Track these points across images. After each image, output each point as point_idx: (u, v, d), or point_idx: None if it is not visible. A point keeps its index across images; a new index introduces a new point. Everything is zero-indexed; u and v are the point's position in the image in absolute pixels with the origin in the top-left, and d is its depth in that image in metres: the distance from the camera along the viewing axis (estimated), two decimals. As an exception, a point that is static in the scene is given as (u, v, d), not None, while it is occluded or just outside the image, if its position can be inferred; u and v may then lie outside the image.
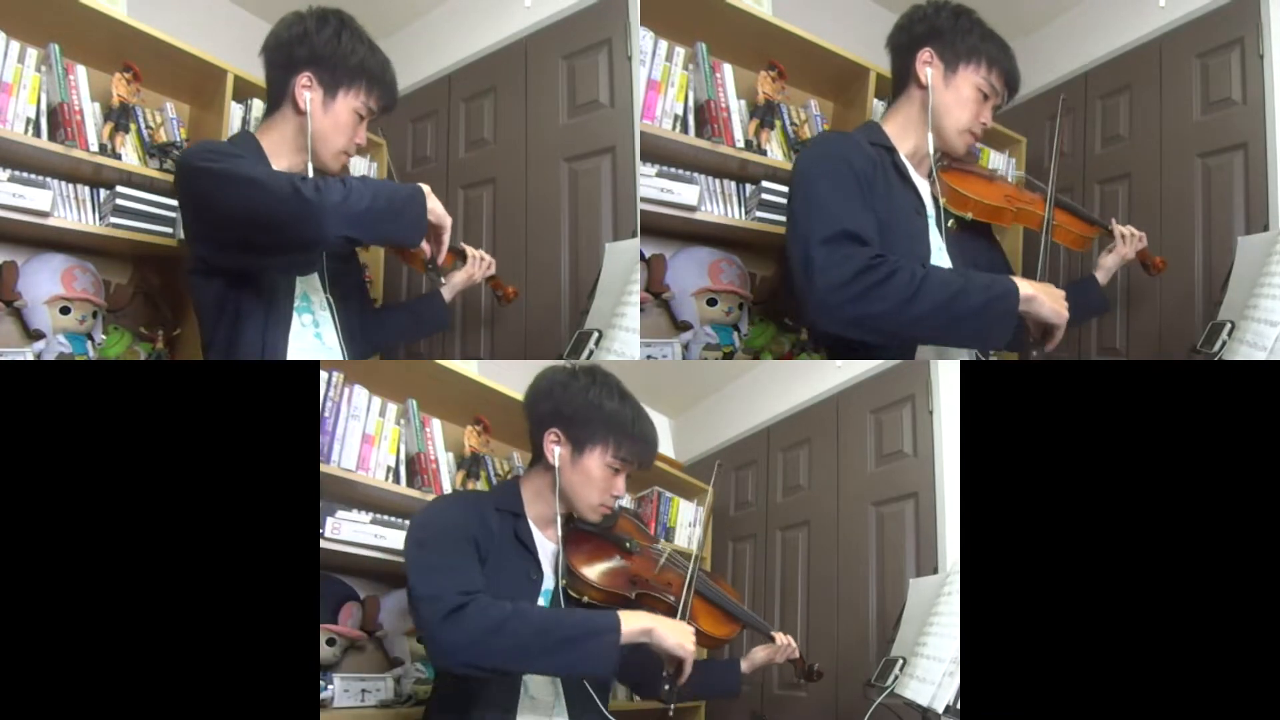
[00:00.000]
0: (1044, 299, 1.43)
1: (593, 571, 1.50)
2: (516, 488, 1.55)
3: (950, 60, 1.60)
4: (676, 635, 1.37)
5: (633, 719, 2.32)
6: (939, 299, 1.37)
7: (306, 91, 1.54)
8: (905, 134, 1.64)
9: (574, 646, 1.31)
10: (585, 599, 1.49)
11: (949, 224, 1.63)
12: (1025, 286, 1.42)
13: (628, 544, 1.56)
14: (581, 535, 1.55)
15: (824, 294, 1.38)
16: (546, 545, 1.52)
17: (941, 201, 1.62)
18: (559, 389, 1.52)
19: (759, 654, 1.80)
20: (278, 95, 1.57)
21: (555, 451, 1.49)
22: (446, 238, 1.55)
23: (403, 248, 1.60)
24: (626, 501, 2.49)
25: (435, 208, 1.50)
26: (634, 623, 1.34)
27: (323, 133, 1.57)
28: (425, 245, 1.54)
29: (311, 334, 1.57)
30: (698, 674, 1.86)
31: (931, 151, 1.62)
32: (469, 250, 1.85)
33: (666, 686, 1.41)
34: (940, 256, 1.60)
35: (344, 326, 1.62)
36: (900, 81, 1.67)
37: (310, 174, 1.54)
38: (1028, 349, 1.54)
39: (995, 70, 1.60)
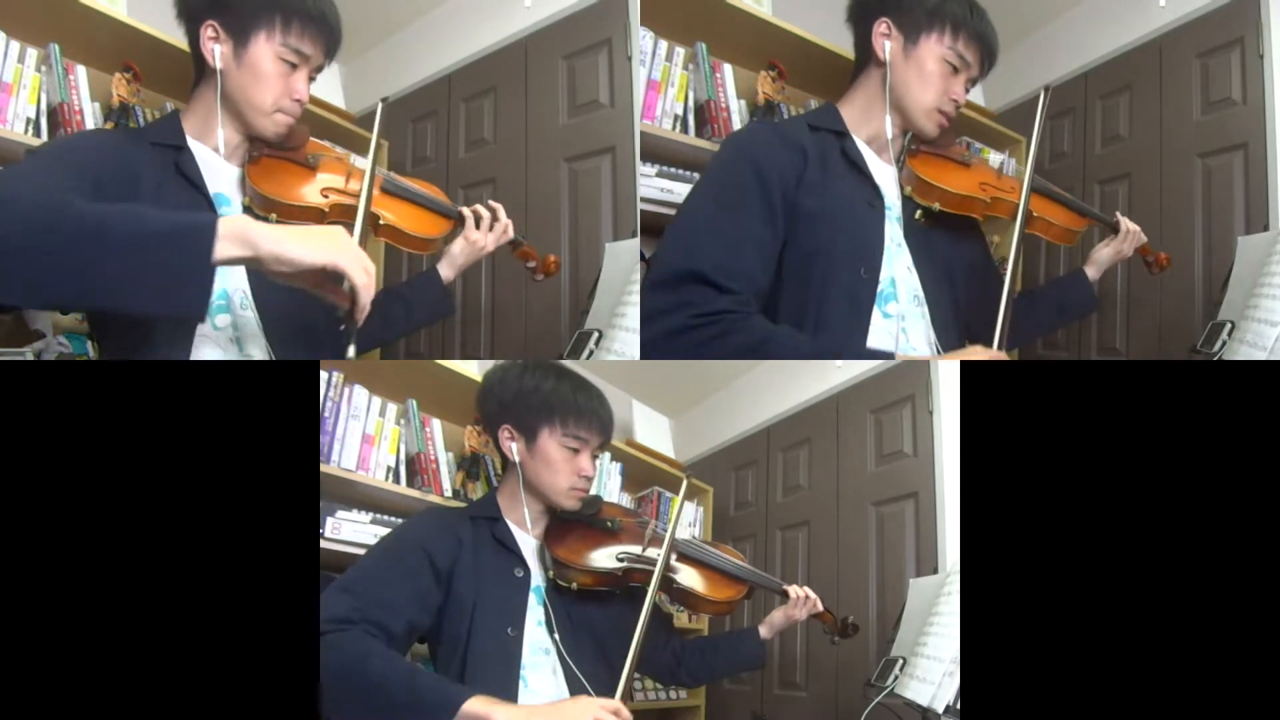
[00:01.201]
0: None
1: (578, 557, 1.49)
2: (493, 496, 1.56)
3: (910, 30, 1.44)
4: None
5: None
6: (748, 347, 1.30)
7: (213, 44, 1.31)
8: (865, 117, 1.50)
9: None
10: (575, 585, 1.48)
11: (916, 215, 1.49)
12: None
13: (609, 523, 1.55)
14: (563, 526, 1.54)
15: (647, 341, 1.33)
16: (529, 542, 1.52)
17: (907, 190, 1.48)
18: (497, 385, 1.52)
19: (777, 616, 1.73)
20: (195, 58, 1.36)
21: (513, 447, 1.49)
22: (361, 294, 1.08)
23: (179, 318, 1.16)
24: (627, 501, 2.49)
25: (273, 250, 1.00)
26: (477, 705, 1.21)
27: (241, 90, 1.32)
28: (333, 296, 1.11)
29: (227, 338, 1.32)
30: (716, 651, 1.82)
31: (891, 135, 1.48)
32: (470, 211, 1.52)
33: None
34: (898, 253, 1.48)
35: (299, 326, 1.36)
36: (860, 58, 1.53)
37: (222, 148, 1.35)
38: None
39: (963, 37, 1.43)
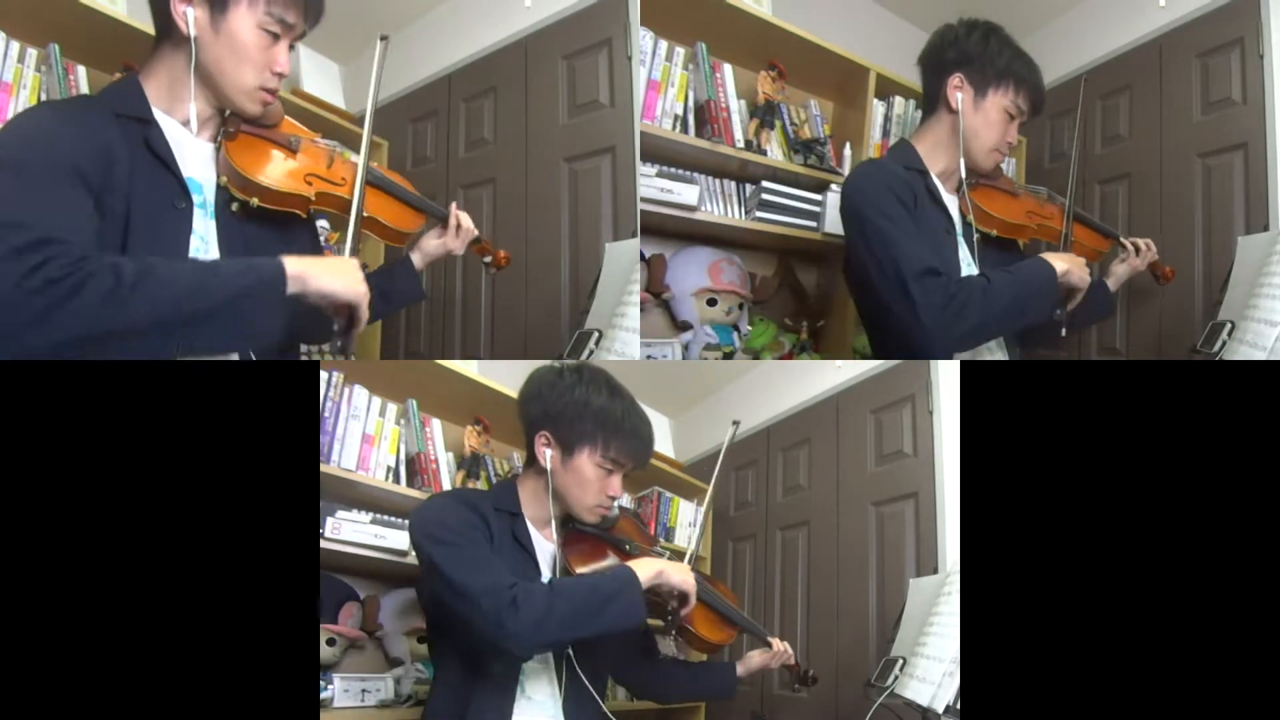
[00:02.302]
0: (1074, 269, 1.59)
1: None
2: (514, 488, 1.54)
3: (980, 85, 1.63)
4: (680, 574, 1.45)
5: (631, 719, 2.32)
6: (1008, 296, 1.52)
7: (185, 6, 1.18)
8: (936, 155, 1.68)
9: (612, 604, 1.33)
10: None
11: (975, 239, 1.68)
12: (1057, 261, 1.57)
13: (627, 546, 1.56)
14: (580, 536, 1.54)
15: (931, 327, 1.49)
16: (545, 546, 1.51)
17: (969, 218, 1.66)
18: (546, 389, 1.50)
19: (755, 658, 1.82)
20: (158, 18, 1.23)
21: (546, 455, 1.47)
22: (360, 321, 1.24)
23: None
24: (626, 502, 2.49)
25: (319, 288, 1.17)
26: (645, 570, 1.39)
27: (218, 63, 1.20)
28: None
29: None
30: (694, 677, 1.87)
31: (963, 173, 1.66)
32: (457, 215, 1.59)
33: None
34: (969, 271, 1.64)
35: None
36: (930, 103, 1.71)
37: (194, 121, 1.24)
38: (1054, 324, 1.64)
39: (1023, 91, 1.64)
